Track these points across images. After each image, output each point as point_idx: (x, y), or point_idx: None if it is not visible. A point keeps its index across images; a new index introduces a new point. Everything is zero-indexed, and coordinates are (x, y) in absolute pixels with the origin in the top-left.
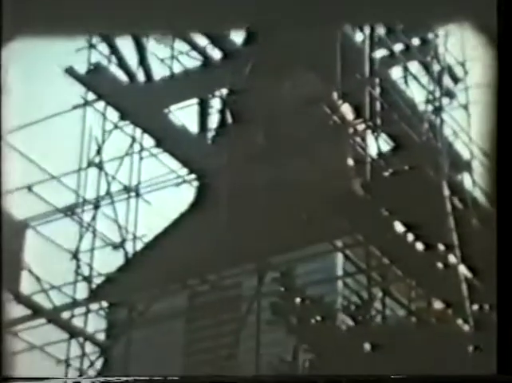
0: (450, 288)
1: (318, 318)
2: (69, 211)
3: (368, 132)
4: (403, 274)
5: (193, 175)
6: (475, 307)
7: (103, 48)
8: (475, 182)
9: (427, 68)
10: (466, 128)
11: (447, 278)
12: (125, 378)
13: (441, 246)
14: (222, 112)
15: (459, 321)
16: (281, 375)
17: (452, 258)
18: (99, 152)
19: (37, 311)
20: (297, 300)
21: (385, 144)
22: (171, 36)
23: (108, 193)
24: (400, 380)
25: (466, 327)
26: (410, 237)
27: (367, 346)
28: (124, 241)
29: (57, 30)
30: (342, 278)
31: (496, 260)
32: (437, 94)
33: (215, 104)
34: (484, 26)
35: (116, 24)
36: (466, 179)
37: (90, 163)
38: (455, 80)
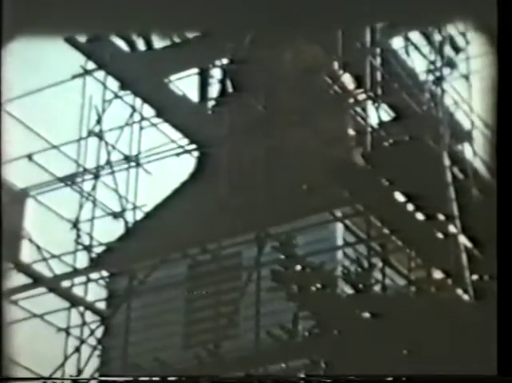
0: (450, 258)
1: (318, 286)
2: (69, 181)
3: (369, 101)
4: (403, 244)
5: (193, 145)
6: (475, 277)
7: None
8: (476, 152)
9: (428, 37)
10: (467, 98)
11: (447, 248)
12: (125, 378)
13: (441, 217)
14: (222, 81)
15: (459, 291)
16: (281, 375)
17: (452, 229)
18: (99, 121)
19: (37, 280)
20: (298, 268)
21: (386, 114)
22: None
23: (109, 163)
24: (400, 380)
25: (465, 297)
26: (410, 207)
27: (366, 314)
28: (124, 210)
29: (56, 30)
30: (342, 247)
31: (496, 232)
32: (438, 64)
33: (216, 73)
34: (484, 25)
35: (116, 23)
36: (467, 150)
37: (90, 133)
38: (457, 50)
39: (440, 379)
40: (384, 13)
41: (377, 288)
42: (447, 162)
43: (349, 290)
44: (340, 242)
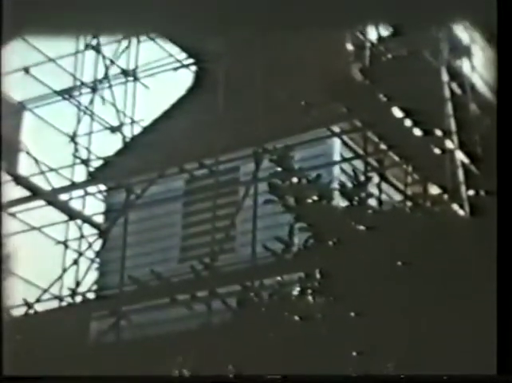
0: (447, 173)
1: (315, 198)
2: (67, 94)
3: None
4: (400, 160)
5: (191, 60)
6: (471, 192)
7: None
8: (474, 67)
9: None
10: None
11: (444, 164)
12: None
13: (438, 132)
14: None
15: (455, 206)
16: (282, 375)
17: (449, 144)
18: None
19: (35, 193)
20: (294, 180)
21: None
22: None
23: (106, 76)
24: (399, 380)
25: (461, 212)
26: (408, 122)
27: (361, 227)
28: (121, 125)
29: (56, 30)
30: (339, 163)
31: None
32: None
33: None
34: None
35: (116, 23)
36: (465, 65)
37: (87, 46)
38: None
39: (440, 379)
40: (381, 13)
41: (373, 202)
42: (445, 77)
43: (345, 203)
44: (337, 157)
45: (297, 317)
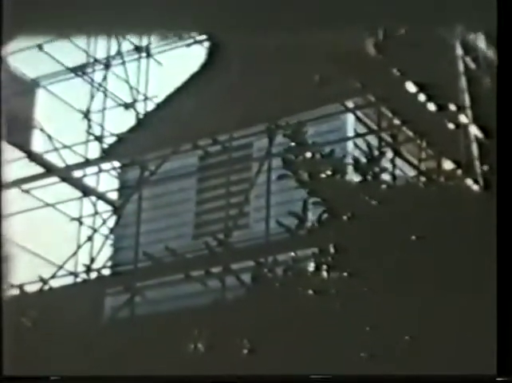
0: (461, 148)
1: (328, 173)
2: (80, 71)
3: None
4: (413, 135)
5: (204, 36)
6: (485, 167)
7: None
8: (489, 41)
9: None
10: None
11: (458, 139)
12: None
13: (452, 107)
14: None
15: (469, 181)
16: (284, 375)
17: (463, 119)
18: None
19: (49, 170)
20: (308, 155)
21: None
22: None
23: (119, 53)
24: (399, 380)
25: (475, 187)
26: (421, 97)
27: (375, 202)
28: (135, 101)
29: (56, 30)
30: (353, 138)
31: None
32: None
33: None
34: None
35: (116, 23)
36: (480, 39)
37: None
38: None
39: (439, 379)
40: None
41: (387, 177)
42: (459, 51)
43: (359, 178)
44: (351, 132)
45: (311, 293)
